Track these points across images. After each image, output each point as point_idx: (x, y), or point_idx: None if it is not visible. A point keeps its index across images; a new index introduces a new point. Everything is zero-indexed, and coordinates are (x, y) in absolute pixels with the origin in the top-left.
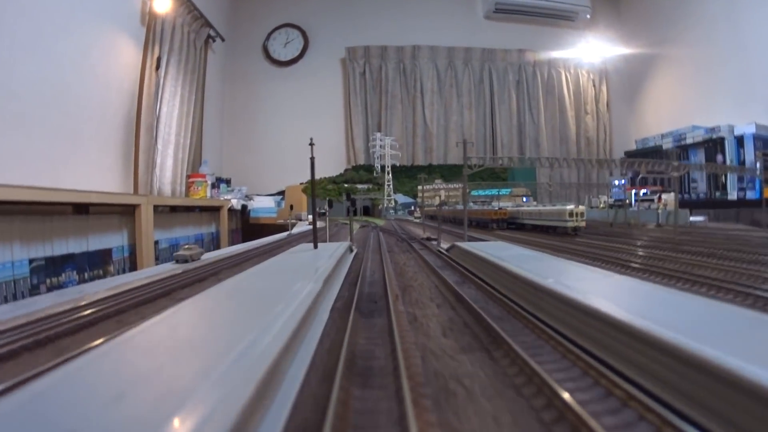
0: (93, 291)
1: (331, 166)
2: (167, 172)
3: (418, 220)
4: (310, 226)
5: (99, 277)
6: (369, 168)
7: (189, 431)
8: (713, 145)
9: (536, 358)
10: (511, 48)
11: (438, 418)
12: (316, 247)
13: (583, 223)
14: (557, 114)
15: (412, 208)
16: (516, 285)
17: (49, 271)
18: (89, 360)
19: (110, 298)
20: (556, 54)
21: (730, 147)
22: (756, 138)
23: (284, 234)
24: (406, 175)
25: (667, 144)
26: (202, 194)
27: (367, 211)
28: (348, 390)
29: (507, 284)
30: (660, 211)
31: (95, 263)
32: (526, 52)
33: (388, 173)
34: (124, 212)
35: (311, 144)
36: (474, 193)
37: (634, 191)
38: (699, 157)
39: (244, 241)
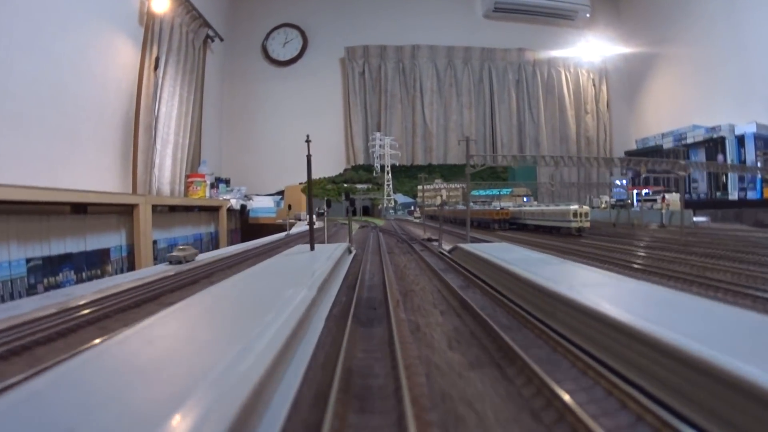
0: (80, 294)
1: (330, 166)
2: (166, 171)
3: (418, 220)
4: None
5: (97, 277)
6: (368, 168)
7: None
8: (714, 144)
9: (554, 375)
10: (511, 47)
11: None
12: (312, 248)
13: (588, 224)
14: (557, 113)
15: (412, 208)
16: (525, 290)
17: (47, 271)
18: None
19: (96, 302)
20: (555, 53)
21: (730, 146)
22: (757, 137)
23: (282, 234)
24: (406, 175)
25: (668, 144)
26: (201, 194)
27: (366, 211)
28: (343, 417)
29: (515, 289)
30: (664, 211)
31: (93, 263)
32: (526, 52)
33: (388, 173)
34: (123, 212)
35: (308, 141)
36: (474, 192)
37: (635, 191)
38: (699, 156)
39: (243, 240)
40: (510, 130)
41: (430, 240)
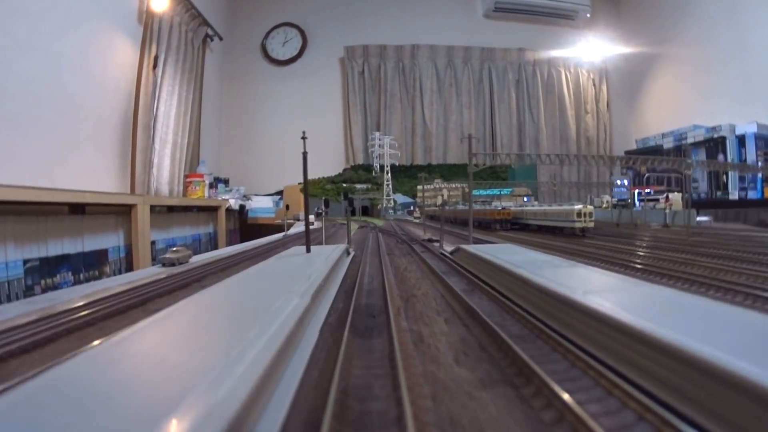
0: (66, 298)
1: (329, 165)
2: (164, 171)
3: (417, 221)
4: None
5: (95, 278)
6: (368, 168)
7: None
8: (714, 144)
9: (576, 396)
10: (511, 47)
11: None
12: (309, 250)
13: (592, 224)
14: (557, 113)
15: (412, 208)
16: (536, 296)
17: (44, 272)
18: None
19: (80, 308)
20: (556, 53)
21: (731, 146)
22: (757, 137)
23: (280, 235)
24: (405, 175)
25: (668, 144)
26: (200, 194)
27: (365, 211)
28: None
29: (525, 295)
30: (667, 211)
31: (91, 264)
32: (526, 51)
33: (387, 173)
34: (121, 212)
35: (304, 137)
36: (475, 192)
37: (637, 191)
38: (700, 156)
39: (242, 241)
40: (510, 129)
41: (430, 241)
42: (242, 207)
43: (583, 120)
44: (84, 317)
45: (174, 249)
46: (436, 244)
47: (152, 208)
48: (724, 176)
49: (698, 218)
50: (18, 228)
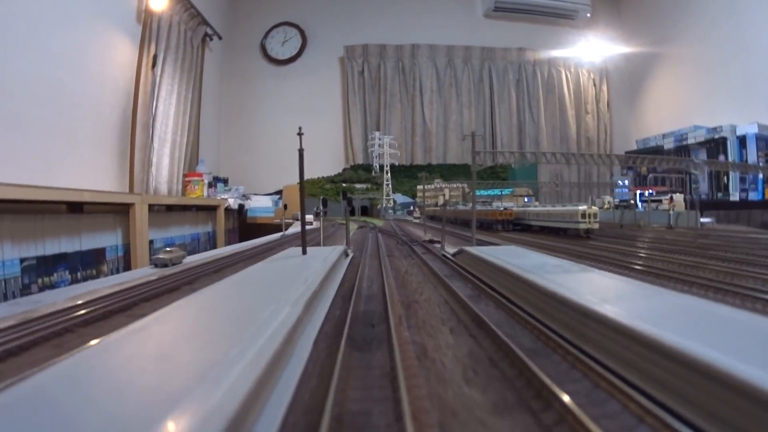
0: (51, 301)
1: (329, 165)
2: (163, 170)
3: (417, 221)
4: (308, 226)
5: (92, 277)
6: (367, 167)
7: None
8: (715, 145)
9: (603, 424)
10: (511, 47)
11: None
12: (305, 252)
13: (597, 225)
14: (557, 113)
15: (412, 208)
16: (548, 304)
17: (41, 271)
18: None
19: (63, 312)
20: (556, 53)
21: (732, 147)
22: (759, 138)
23: (278, 235)
24: (405, 175)
25: (669, 144)
26: (199, 193)
27: (365, 211)
28: None
29: (536, 302)
30: (671, 212)
31: (88, 263)
32: (526, 51)
33: (387, 173)
34: (119, 211)
35: (300, 134)
36: (476, 192)
37: (639, 192)
38: (701, 157)
39: (241, 240)
40: (510, 129)
41: (431, 242)
42: (241, 206)
43: (583, 120)
44: (64, 323)
45: (167, 249)
46: (438, 245)
47: (151, 207)
48: (725, 177)
49: (702, 219)
50: (15, 226)
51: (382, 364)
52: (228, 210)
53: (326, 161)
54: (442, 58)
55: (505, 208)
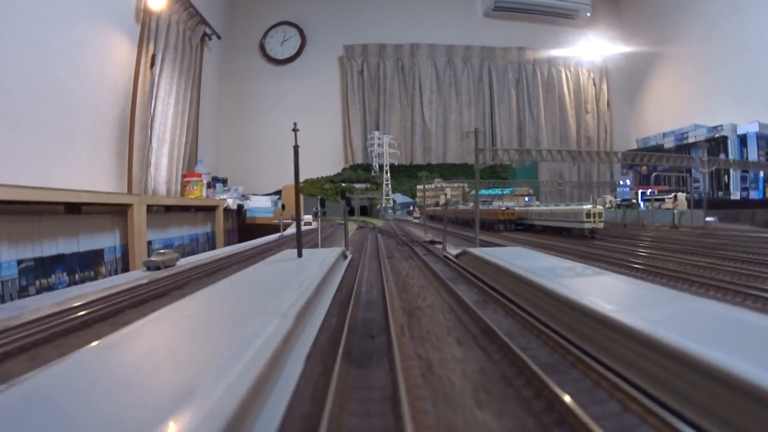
0: (35, 307)
1: (328, 165)
2: (162, 171)
3: (417, 221)
4: (305, 227)
5: (90, 279)
6: (367, 167)
7: None
8: (716, 144)
9: None
10: (511, 46)
11: None
12: (300, 254)
13: (601, 225)
14: (557, 113)
15: (411, 208)
16: (563, 312)
17: (39, 273)
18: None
19: (45, 318)
20: (556, 52)
21: (732, 146)
22: (759, 137)
23: (276, 236)
24: (405, 175)
25: (669, 143)
26: (198, 194)
27: (364, 211)
28: None
29: (549, 310)
30: (675, 211)
31: (86, 264)
32: (526, 51)
33: (387, 172)
34: (117, 212)
35: (295, 130)
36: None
37: (640, 191)
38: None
39: (240, 241)
40: (510, 129)
41: (432, 242)
42: (240, 207)
43: (583, 119)
44: (43, 332)
45: (161, 252)
46: (439, 246)
47: (149, 207)
48: (726, 176)
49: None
50: (12, 228)
51: (382, 384)
52: (227, 210)
53: (325, 161)
54: (441, 58)
55: (507, 208)
